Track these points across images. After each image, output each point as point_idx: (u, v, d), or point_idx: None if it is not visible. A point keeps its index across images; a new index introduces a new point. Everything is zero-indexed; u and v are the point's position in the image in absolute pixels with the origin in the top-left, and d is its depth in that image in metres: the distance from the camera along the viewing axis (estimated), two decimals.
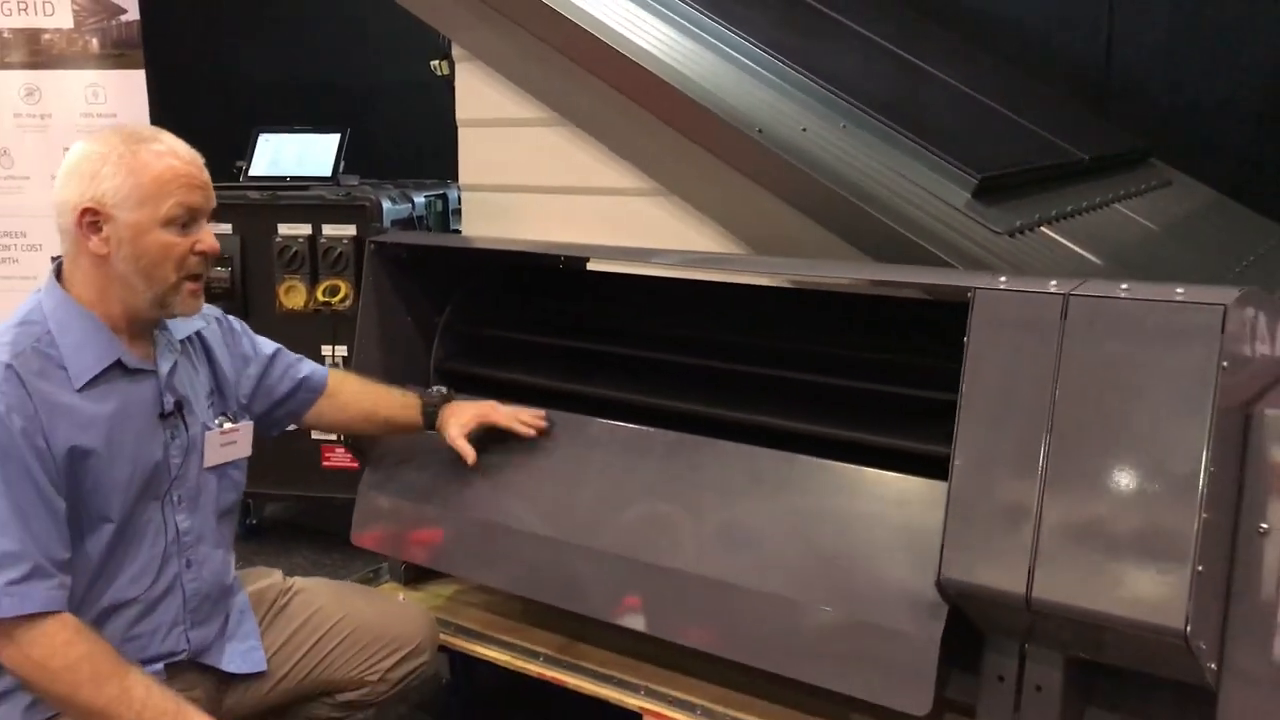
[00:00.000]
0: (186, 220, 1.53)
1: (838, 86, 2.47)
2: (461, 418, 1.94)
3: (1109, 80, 3.80)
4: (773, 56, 2.51)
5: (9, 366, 1.44)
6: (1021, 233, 2.33)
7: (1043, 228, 2.44)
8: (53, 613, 1.43)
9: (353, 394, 1.95)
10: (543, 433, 1.94)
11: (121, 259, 1.51)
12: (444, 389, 2.00)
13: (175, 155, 1.53)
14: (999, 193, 2.39)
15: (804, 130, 2.26)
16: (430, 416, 1.95)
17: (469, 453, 1.91)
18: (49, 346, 1.49)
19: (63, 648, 1.42)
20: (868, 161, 2.26)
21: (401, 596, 2.14)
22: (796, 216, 2.14)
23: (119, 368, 1.54)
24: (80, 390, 1.49)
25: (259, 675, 1.75)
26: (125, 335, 1.56)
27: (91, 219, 1.50)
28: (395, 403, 1.98)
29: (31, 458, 1.43)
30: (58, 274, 1.57)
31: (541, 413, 1.96)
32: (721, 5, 2.66)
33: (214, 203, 1.58)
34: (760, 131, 2.17)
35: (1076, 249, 2.41)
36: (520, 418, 1.94)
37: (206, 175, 1.57)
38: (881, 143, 2.36)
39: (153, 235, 1.50)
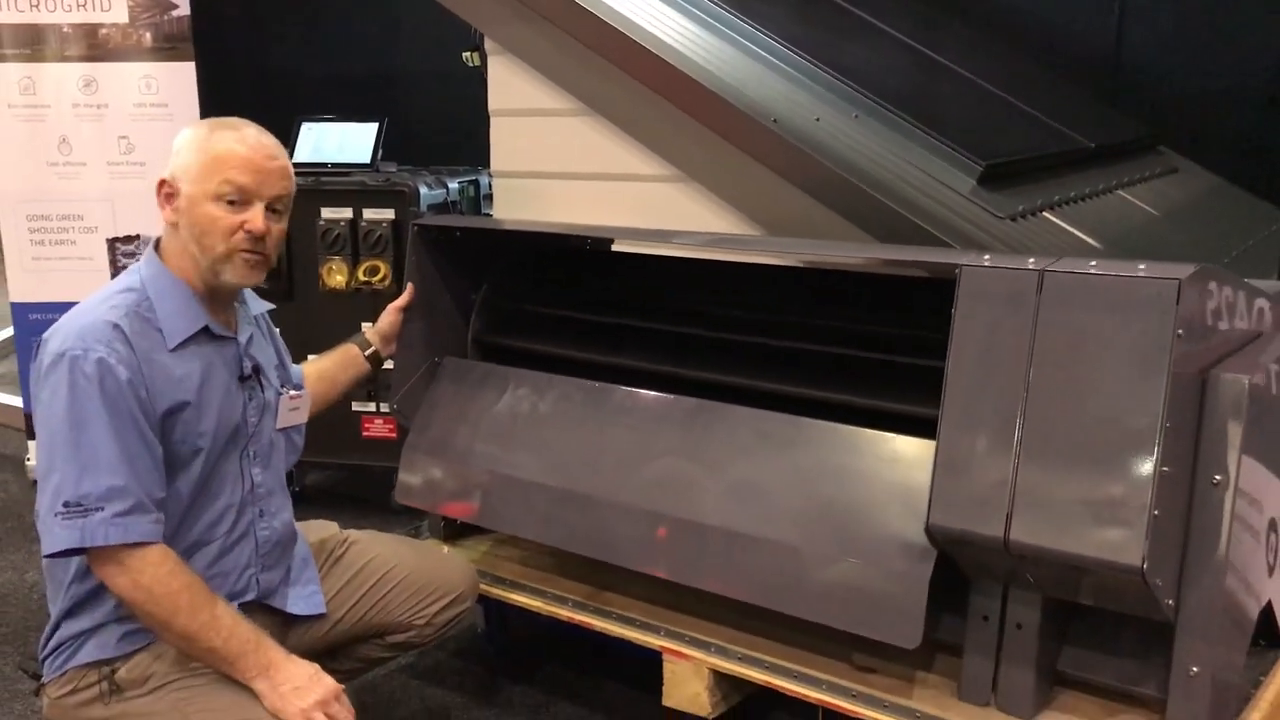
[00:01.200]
0: (235, 198, 1.66)
1: (850, 78, 2.54)
2: (378, 327, 2.24)
3: (1118, 69, 3.82)
4: (789, 49, 2.58)
5: (117, 326, 1.61)
6: (1024, 217, 2.40)
7: (1045, 213, 2.51)
8: (153, 544, 1.60)
9: (313, 379, 2.09)
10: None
11: (184, 227, 1.68)
12: (359, 334, 2.24)
13: (242, 142, 1.68)
14: (1004, 179, 2.47)
15: (817, 120, 2.34)
16: (374, 358, 2.21)
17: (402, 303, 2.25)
18: (148, 311, 1.66)
19: (166, 577, 1.59)
20: (878, 150, 2.33)
21: (445, 550, 2.31)
22: (810, 202, 2.22)
23: (206, 333, 1.70)
24: (173, 350, 1.66)
25: (318, 617, 1.91)
26: (209, 304, 1.73)
27: (167, 190, 1.69)
28: (339, 365, 2.17)
29: (135, 406, 1.59)
30: (156, 246, 1.74)
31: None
32: (740, 0, 2.76)
33: (276, 190, 1.71)
34: (775, 121, 2.25)
35: (1078, 233, 2.49)
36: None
37: (274, 165, 1.71)
38: (891, 132, 2.44)
39: (203, 207, 1.66)
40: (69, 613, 1.69)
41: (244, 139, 1.70)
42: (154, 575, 1.59)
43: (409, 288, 2.26)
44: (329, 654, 1.96)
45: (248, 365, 1.78)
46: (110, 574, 1.59)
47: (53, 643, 1.71)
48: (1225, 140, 3.69)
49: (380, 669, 2.38)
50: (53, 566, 1.68)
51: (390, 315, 2.24)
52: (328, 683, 1.65)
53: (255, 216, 1.68)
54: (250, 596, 1.81)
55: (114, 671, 1.67)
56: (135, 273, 1.71)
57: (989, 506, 1.52)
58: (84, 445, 1.56)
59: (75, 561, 1.65)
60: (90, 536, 1.56)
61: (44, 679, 1.73)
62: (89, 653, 1.68)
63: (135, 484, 1.58)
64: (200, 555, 1.72)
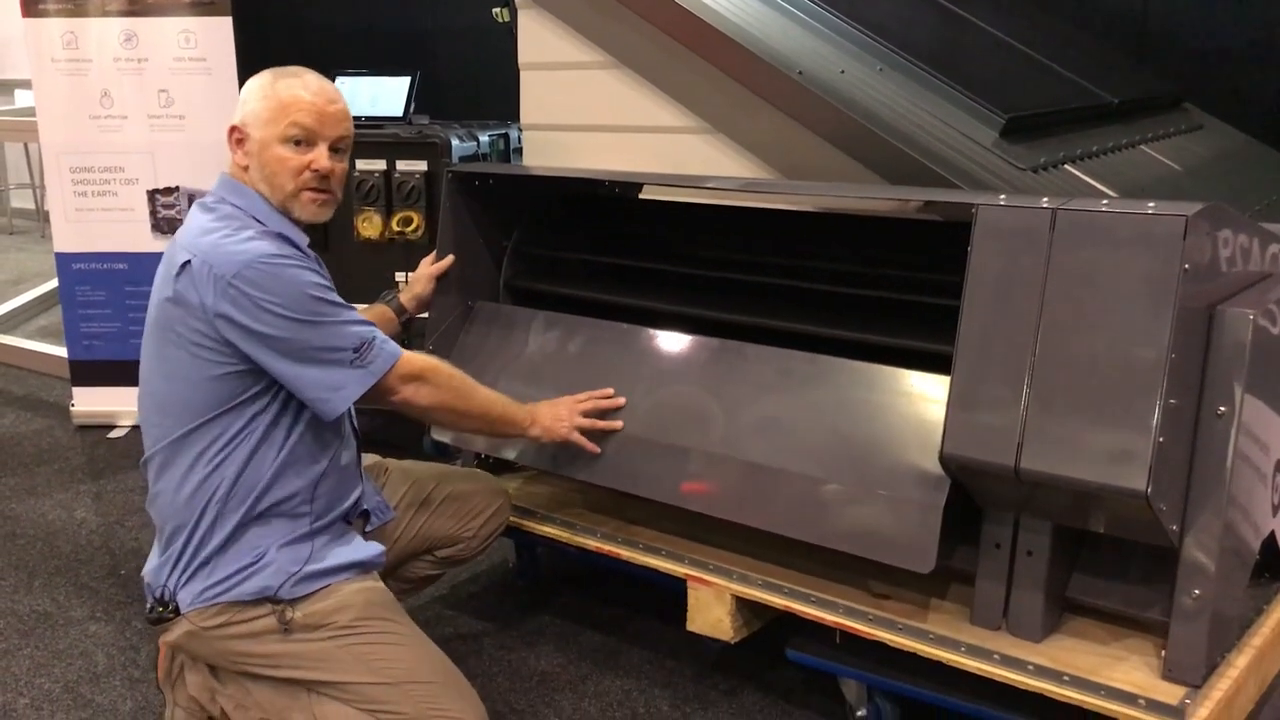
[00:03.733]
0: (301, 139, 1.75)
1: (876, 32, 2.58)
2: (414, 291, 2.33)
3: (1145, 26, 3.83)
4: (815, 4, 2.61)
5: (279, 235, 1.73)
6: (1045, 170, 2.44)
7: (1067, 166, 2.55)
8: (400, 357, 1.76)
9: None
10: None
11: (255, 168, 1.77)
12: (387, 293, 2.32)
13: (305, 87, 1.77)
14: (1026, 132, 2.51)
15: (842, 73, 2.39)
16: (407, 321, 2.32)
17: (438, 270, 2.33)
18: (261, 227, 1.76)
19: (440, 375, 1.83)
20: (902, 102, 2.37)
21: (475, 470, 2.38)
22: (833, 153, 2.27)
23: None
24: None
25: (382, 533, 1.98)
26: None
27: (237, 136, 1.79)
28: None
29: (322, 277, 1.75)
30: (225, 180, 1.81)
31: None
32: None
33: (338, 131, 1.79)
34: (801, 73, 2.29)
35: (1098, 185, 2.53)
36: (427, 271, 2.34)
37: (334, 108, 1.78)
38: (916, 85, 2.49)
39: (272, 150, 1.75)
40: (223, 546, 1.71)
41: (307, 85, 1.79)
42: (429, 380, 1.81)
43: (448, 258, 2.32)
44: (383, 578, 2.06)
45: None
46: (386, 394, 1.77)
47: (200, 573, 1.72)
48: (1252, 97, 3.69)
49: (416, 600, 2.49)
50: (196, 495, 1.71)
51: (425, 282, 2.31)
52: (572, 405, 2.02)
53: (320, 156, 1.78)
54: (368, 503, 1.93)
55: (284, 611, 1.71)
56: (221, 203, 1.77)
57: (1000, 435, 1.58)
58: (327, 308, 1.70)
59: (237, 492, 1.71)
60: (391, 354, 1.74)
61: (183, 607, 1.72)
62: (251, 588, 1.70)
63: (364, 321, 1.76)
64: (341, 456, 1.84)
